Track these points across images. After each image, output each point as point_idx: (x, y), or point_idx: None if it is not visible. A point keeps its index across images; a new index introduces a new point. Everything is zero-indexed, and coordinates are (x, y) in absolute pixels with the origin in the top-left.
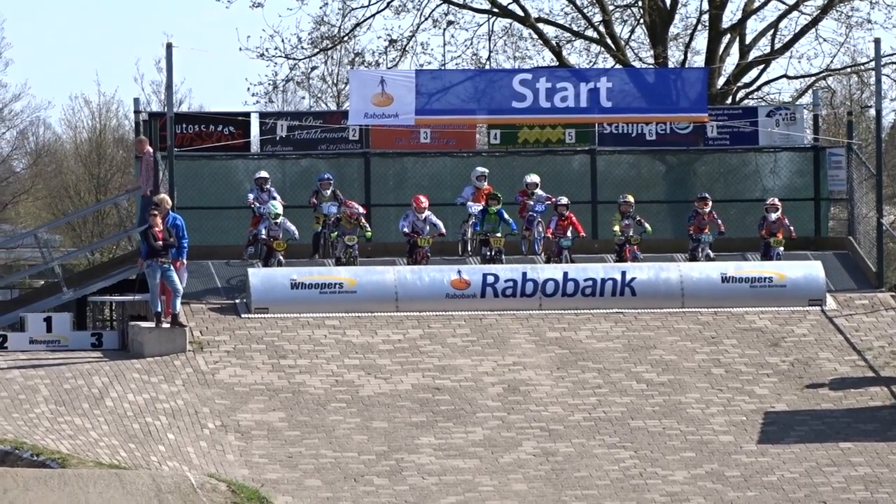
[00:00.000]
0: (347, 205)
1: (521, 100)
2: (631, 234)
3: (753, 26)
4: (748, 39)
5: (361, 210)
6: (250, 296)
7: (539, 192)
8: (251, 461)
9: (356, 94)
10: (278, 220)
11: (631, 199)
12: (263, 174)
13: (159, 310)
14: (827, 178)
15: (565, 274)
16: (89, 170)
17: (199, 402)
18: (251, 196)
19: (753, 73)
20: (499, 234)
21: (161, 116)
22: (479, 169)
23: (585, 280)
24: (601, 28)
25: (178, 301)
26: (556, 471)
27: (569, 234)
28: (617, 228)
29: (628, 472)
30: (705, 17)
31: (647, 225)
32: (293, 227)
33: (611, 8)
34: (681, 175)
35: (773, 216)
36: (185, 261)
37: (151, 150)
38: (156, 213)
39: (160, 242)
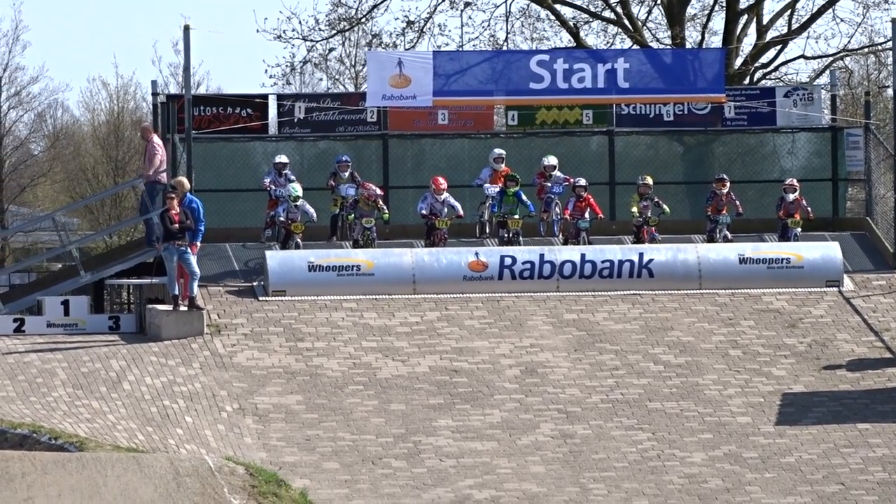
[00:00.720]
0: (365, 186)
1: (538, 81)
2: (649, 215)
3: (771, 7)
4: (765, 20)
5: (379, 192)
6: (268, 278)
7: (557, 173)
8: (269, 444)
9: (374, 75)
10: (298, 203)
11: (650, 180)
12: (283, 159)
13: (176, 293)
14: (845, 158)
15: (583, 256)
16: (107, 152)
17: (217, 385)
18: (268, 179)
19: (771, 53)
20: (516, 216)
21: (179, 99)
22: (497, 151)
23: (603, 262)
24: (618, 9)
25: (195, 284)
26: (573, 453)
27: (586, 215)
28: (635, 210)
29: (646, 453)
30: None
31: (665, 206)
32: (312, 210)
33: None
34: (698, 156)
35: (791, 197)
36: (199, 244)
37: (156, 136)
38: (173, 195)
39: (176, 225)
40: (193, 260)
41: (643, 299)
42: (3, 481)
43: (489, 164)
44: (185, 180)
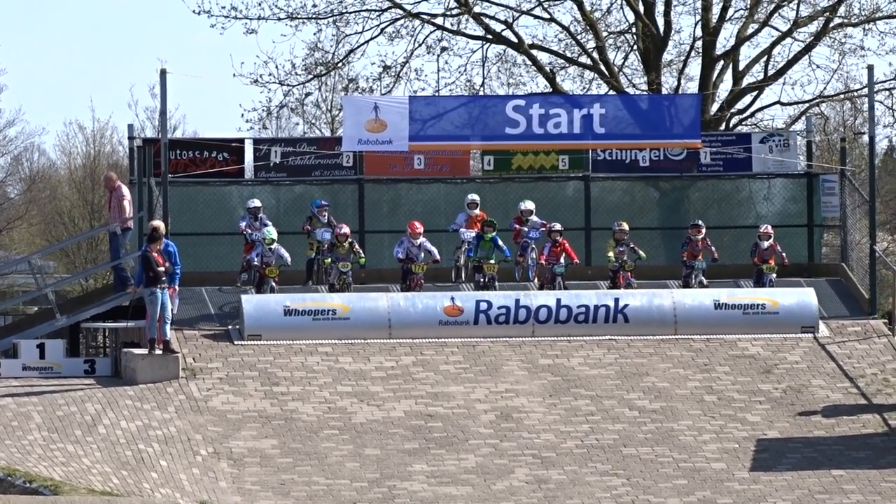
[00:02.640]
0: (338, 227)
1: (514, 126)
2: (625, 260)
3: (747, 53)
4: (742, 66)
5: (347, 230)
6: (243, 322)
7: (534, 218)
8: (244, 488)
9: (350, 120)
10: (272, 246)
11: (626, 226)
12: (257, 203)
13: (168, 338)
14: (820, 204)
15: (558, 300)
16: (83, 196)
17: (192, 428)
18: (243, 223)
19: (747, 99)
20: (492, 261)
21: (155, 142)
22: (471, 196)
23: (578, 307)
24: (595, 54)
25: (168, 327)
26: (548, 498)
27: (562, 260)
28: (611, 255)
29: (621, 499)
30: (699, 43)
31: (641, 252)
32: (286, 254)
33: (604, 34)
34: (674, 201)
35: (766, 244)
36: (177, 287)
37: (121, 185)
38: (155, 238)
39: (162, 268)
40: (170, 303)
41: (618, 344)
42: None
43: (465, 209)
44: (161, 224)
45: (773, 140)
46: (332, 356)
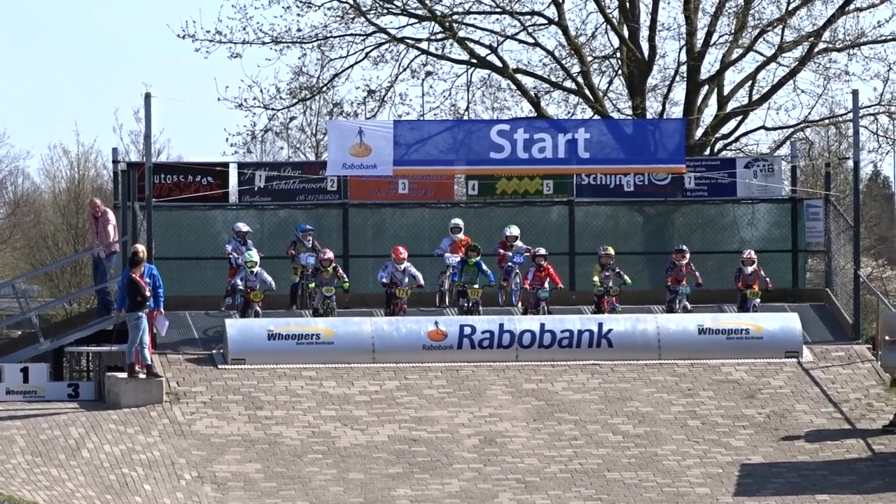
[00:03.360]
0: (322, 252)
1: (499, 150)
2: (610, 285)
3: (731, 78)
4: (726, 91)
5: (331, 255)
6: (227, 346)
7: (519, 243)
8: None
9: (334, 144)
10: (255, 270)
11: (612, 250)
12: (246, 228)
13: (150, 362)
14: (804, 229)
15: (542, 325)
16: (67, 220)
17: (176, 452)
18: (229, 247)
19: (731, 124)
20: (476, 286)
21: (139, 166)
22: (454, 220)
23: (562, 331)
24: (579, 79)
25: (148, 351)
26: None
27: (546, 285)
28: (596, 279)
29: None
30: (683, 68)
31: (626, 277)
32: (270, 278)
33: (589, 59)
34: (659, 226)
35: (749, 269)
36: (163, 310)
37: (107, 209)
38: (137, 262)
39: (148, 292)
40: (162, 325)
41: (602, 369)
42: None
43: (449, 233)
44: (141, 247)
45: (757, 165)
46: (315, 380)
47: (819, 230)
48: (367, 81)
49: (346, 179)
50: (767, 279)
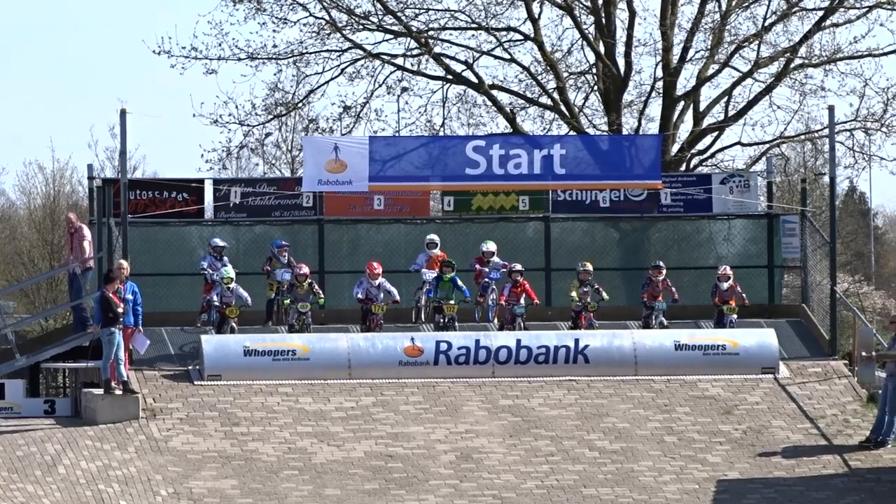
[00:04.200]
0: (298, 267)
1: (474, 167)
2: (588, 301)
3: (707, 93)
4: (702, 106)
5: (307, 270)
6: (203, 363)
7: (495, 259)
8: None
9: (310, 160)
10: (231, 286)
11: (590, 266)
12: (222, 243)
13: (126, 378)
14: (781, 245)
15: (518, 341)
16: (43, 236)
17: (152, 469)
18: (205, 263)
19: (707, 140)
20: (452, 302)
21: (115, 182)
22: (430, 236)
23: (538, 347)
24: (555, 95)
25: (124, 367)
26: None
27: (522, 301)
28: (574, 295)
29: None
30: (659, 84)
31: (604, 293)
32: (246, 294)
33: (565, 75)
34: (635, 242)
35: (725, 285)
36: (142, 329)
37: (83, 225)
38: (112, 279)
39: (121, 309)
40: (142, 343)
41: (579, 385)
42: None
43: (425, 249)
44: (122, 263)
45: (733, 181)
46: (292, 396)
47: (795, 246)
48: (343, 97)
49: (322, 195)
50: (744, 295)
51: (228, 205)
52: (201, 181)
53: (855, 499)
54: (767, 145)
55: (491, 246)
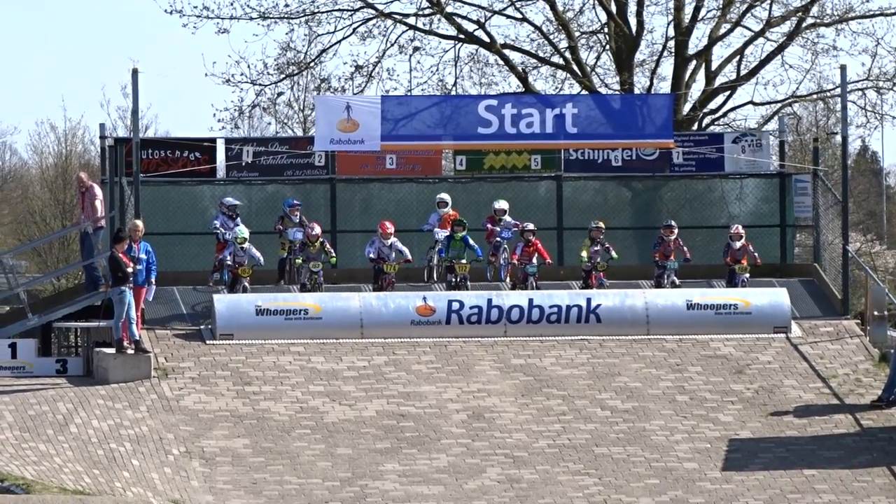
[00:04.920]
0: (310, 226)
1: (486, 126)
2: (598, 260)
3: (719, 53)
4: (714, 66)
5: (318, 230)
6: (215, 322)
7: (507, 218)
8: (215, 488)
9: (322, 119)
10: (244, 245)
11: (602, 225)
12: (235, 201)
13: (138, 337)
14: (793, 204)
15: (530, 300)
16: (55, 195)
17: (164, 428)
18: (217, 222)
19: (719, 99)
20: (464, 261)
21: (127, 142)
22: (439, 196)
23: (551, 307)
24: (567, 54)
25: (135, 326)
26: (520, 497)
27: (534, 260)
28: (584, 254)
29: (592, 498)
30: (671, 43)
31: (613, 252)
32: (258, 254)
33: (577, 34)
34: (647, 201)
35: (738, 244)
36: (154, 281)
37: (94, 184)
38: (121, 238)
39: (130, 269)
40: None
41: (591, 344)
42: None
43: (436, 209)
44: (134, 223)
45: (745, 140)
46: (304, 356)
47: (807, 205)
48: (355, 57)
49: (334, 154)
50: (756, 254)
51: (240, 164)
52: (213, 140)
53: (866, 458)
54: (779, 104)
55: (503, 204)
